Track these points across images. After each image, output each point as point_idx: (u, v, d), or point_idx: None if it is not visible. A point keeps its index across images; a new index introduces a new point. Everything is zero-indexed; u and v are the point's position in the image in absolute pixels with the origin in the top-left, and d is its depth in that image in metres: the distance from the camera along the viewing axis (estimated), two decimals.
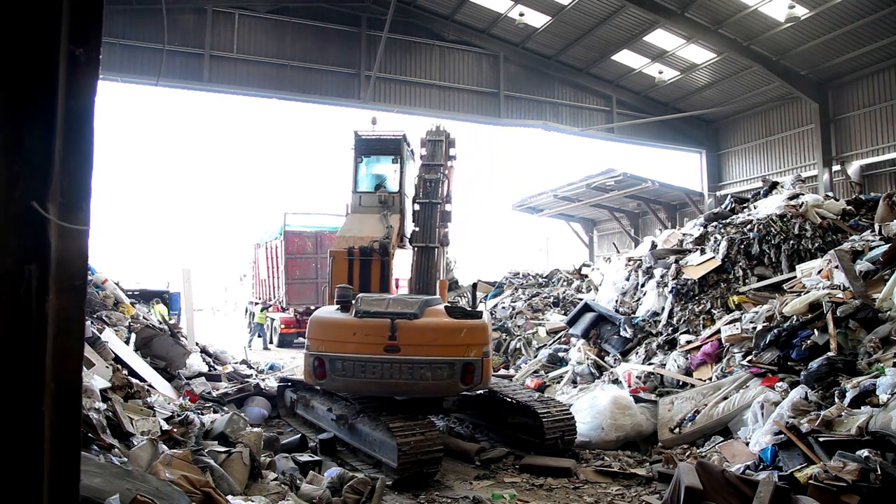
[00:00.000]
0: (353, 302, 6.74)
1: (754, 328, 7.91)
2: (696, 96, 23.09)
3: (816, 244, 9.65)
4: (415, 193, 8.61)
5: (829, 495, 4.36)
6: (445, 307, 7.06)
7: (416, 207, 8.34)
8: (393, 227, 8.49)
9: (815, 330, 7.01)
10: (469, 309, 7.27)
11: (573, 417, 6.98)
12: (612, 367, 9.56)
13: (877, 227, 9.20)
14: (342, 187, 9.50)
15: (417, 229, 8.15)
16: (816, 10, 16.67)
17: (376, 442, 6.35)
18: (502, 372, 10.96)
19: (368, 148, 9.50)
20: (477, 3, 20.73)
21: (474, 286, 8.05)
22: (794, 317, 7.51)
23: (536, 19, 20.61)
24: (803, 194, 11.21)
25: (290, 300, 19.81)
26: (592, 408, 7.37)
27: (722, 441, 6.49)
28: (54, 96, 1.26)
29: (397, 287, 10.33)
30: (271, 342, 20.61)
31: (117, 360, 7.27)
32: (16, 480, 1.22)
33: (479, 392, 7.19)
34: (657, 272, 10.81)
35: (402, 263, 9.02)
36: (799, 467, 4.96)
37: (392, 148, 9.46)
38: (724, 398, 6.93)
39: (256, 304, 22.95)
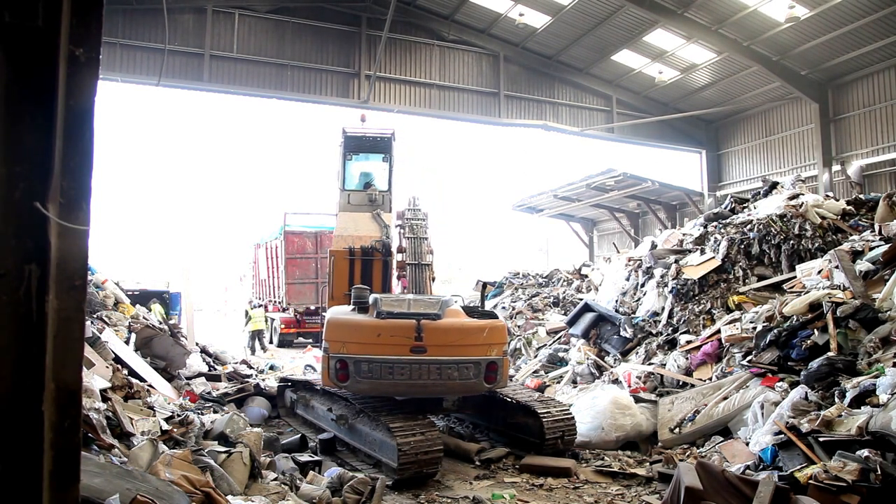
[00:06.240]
0: (373, 303, 6.67)
1: (754, 328, 7.90)
2: (696, 96, 23.09)
3: (816, 244, 9.65)
4: (399, 238, 8.54)
5: (829, 495, 4.36)
6: (463, 307, 7.06)
7: (405, 242, 8.23)
8: (389, 226, 8.51)
9: (815, 330, 7.00)
10: (482, 309, 7.28)
11: (573, 417, 6.97)
12: (612, 367, 9.55)
13: (877, 227, 9.20)
14: (333, 185, 9.47)
15: (407, 255, 8.11)
16: (816, 10, 16.66)
17: (376, 442, 6.35)
18: None
19: (358, 145, 9.47)
20: (477, 3, 20.73)
21: (483, 286, 8.05)
22: (794, 317, 7.51)
23: (536, 19, 20.61)
24: (803, 194, 11.20)
25: (290, 300, 19.78)
26: (592, 408, 7.37)
27: (722, 441, 6.49)
28: (54, 96, 1.26)
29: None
30: (271, 342, 20.53)
31: (117, 360, 7.27)
32: (16, 480, 1.22)
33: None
34: (657, 272, 10.81)
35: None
36: (799, 467, 4.95)
37: (382, 146, 9.44)
38: (724, 398, 6.93)
39: (259, 306, 21.88)
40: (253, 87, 20.24)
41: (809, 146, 20.88)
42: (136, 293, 14.31)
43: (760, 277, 9.70)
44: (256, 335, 19.03)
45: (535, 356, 11.49)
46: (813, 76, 19.90)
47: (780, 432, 5.54)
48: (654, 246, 12.02)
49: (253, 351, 18.17)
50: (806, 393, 5.97)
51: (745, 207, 12.10)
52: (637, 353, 9.67)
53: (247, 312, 20.45)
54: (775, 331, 7.38)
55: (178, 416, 6.07)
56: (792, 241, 9.79)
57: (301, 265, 19.91)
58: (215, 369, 10.73)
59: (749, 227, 10.40)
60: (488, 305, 14.83)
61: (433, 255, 8.60)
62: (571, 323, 11.32)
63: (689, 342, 8.82)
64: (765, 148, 22.80)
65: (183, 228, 49.75)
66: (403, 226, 8.43)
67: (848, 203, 11.19)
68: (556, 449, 6.69)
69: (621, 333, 10.17)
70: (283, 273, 19.93)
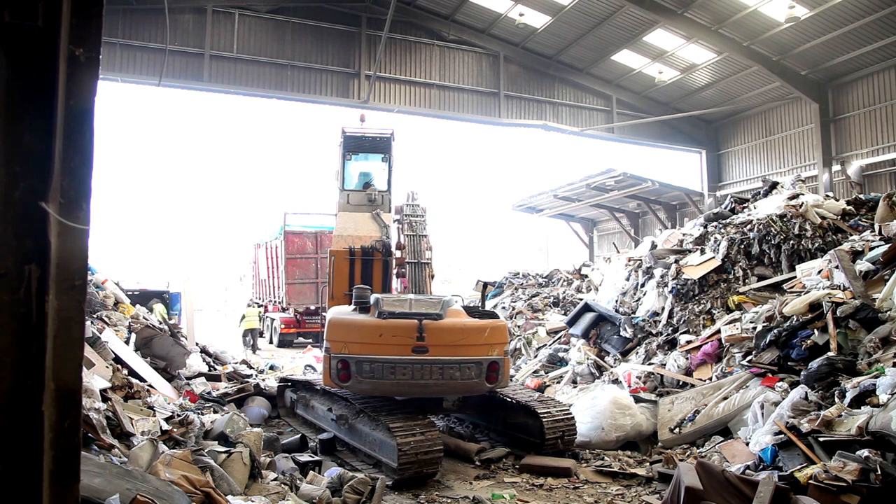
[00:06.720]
0: (374, 303, 6.66)
1: (754, 328, 7.90)
2: (696, 96, 23.09)
3: (816, 244, 9.65)
4: (398, 234, 8.51)
5: (829, 495, 4.36)
6: (463, 307, 7.06)
7: (404, 239, 8.19)
8: (389, 226, 8.51)
9: (815, 330, 7.00)
10: (483, 309, 7.27)
11: (573, 417, 6.97)
12: (612, 367, 9.55)
13: (877, 227, 9.20)
14: (332, 185, 9.45)
15: (406, 253, 8.09)
16: (816, 10, 16.67)
17: (376, 442, 6.35)
18: None
19: (357, 145, 9.47)
20: (477, 3, 20.73)
21: (484, 286, 8.04)
22: (794, 317, 7.51)
23: (536, 19, 20.61)
24: (803, 194, 11.20)
25: (290, 300, 19.79)
26: (592, 408, 7.37)
27: (722, 441, 6.49)
28: (54, 96, 1.26)
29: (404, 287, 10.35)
30: (270, 342, 20.54)
31: (117, 360, 7.27)
32: (16, 480, 1.22)
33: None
34: (657, 272, 10.80)
35: None
36: (799, 467, 4.96)
37: (381, 146, 9.45)
38: (724, 398, 6.93)
39: (259, 306, 21.98)
40: (253, 87, 20.25)
41: (809, 146, 20.89)
42: (136, 293, 14.33)
43: (760, 277, 9.70)
44: (249, 334, 18.96)
45: (535, 356, 11.48)
46: (813, 76, 19.91)
47: (780, 432, 5.54)
48: (654, 246, 12.01)
49: (254, 350, 18.15)
50: (806, 393, 5.97)
51: (745, 207, 12.10)
52: (637, 353, 9.67)
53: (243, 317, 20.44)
54: (775, 331, 7.38)
55: (178, 416, 6.07)
56: (792, 241, 9.79)
57: (301, 265, 19.93)
58: (215, 369, 10.72)
59: (749, 227, 10.39)
60: (488, 305, 14.87)
61: (432, 251, 8.61)
62: (571, 323, 11.32)
63: (689, 342, 8.82)
64: (765, 148, 22.81)
65: (183, 228, 49.76)
66: (402, 221, 8.42)
67: (848, 203, 11.19)
68: (556, 449, 6.69)
69: (621, 333, 10.17)
70: (283, 273, 19.94)
